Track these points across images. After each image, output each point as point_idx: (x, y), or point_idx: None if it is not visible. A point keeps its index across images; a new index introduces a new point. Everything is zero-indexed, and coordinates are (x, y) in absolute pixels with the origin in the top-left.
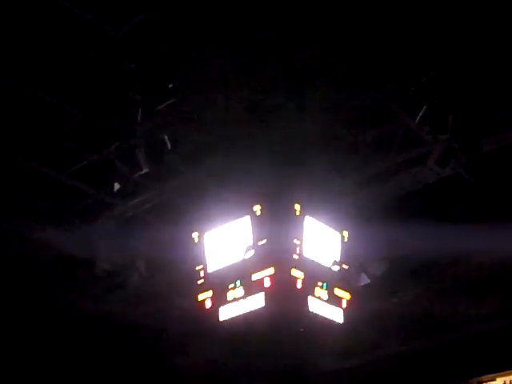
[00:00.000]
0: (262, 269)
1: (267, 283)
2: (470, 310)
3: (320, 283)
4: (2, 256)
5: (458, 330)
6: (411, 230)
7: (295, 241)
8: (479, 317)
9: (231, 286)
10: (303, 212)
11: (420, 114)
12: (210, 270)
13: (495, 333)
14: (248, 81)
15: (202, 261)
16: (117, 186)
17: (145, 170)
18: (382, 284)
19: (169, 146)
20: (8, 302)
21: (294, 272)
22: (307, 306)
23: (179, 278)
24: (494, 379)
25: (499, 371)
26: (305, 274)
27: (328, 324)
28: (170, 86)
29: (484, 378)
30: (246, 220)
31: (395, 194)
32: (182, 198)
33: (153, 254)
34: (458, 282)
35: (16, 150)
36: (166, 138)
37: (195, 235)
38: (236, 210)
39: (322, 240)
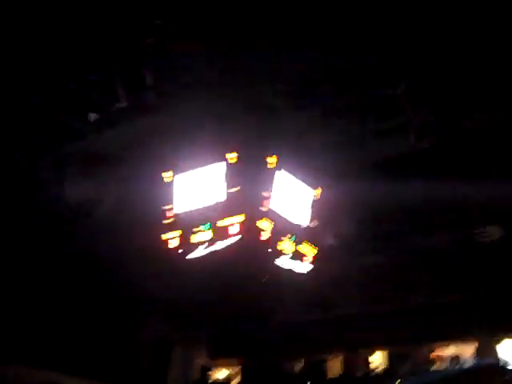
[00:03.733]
0: (231, 215)
1: (234, 230)
2: (430, 282)
3: (288, 236)
4: None
5: (419, 298)
6: (384, 194)
7: (266, 192)
8: (437, 289)
9: (196, 229)
10: (278, 165)
11: (402, 85)
12: (178, 210)
13: (454, 304)
14: None
15: (171, 201)
16: (93, 116)
17: (123, 104)
18: (348, 245)
19: (149, 82)
20: None
21: (260, 223)
22: (270, 259)
23: (145, 216)
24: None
25: (452, 339)
26: (273, 226)
27: (291, 277)
28: (156, 22)
29: (436, 345)
30: (220, 166)
31: (371, 158)
32: (157, 138)
33: (122, 189)
34: (422, 254)
35: None
36: (147, 74)
37: (167, 175)
38: (211, 155)
39: (293, 195)
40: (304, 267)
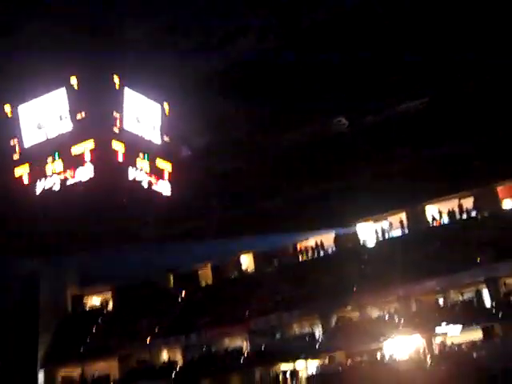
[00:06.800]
0: (81, 141)
1: (88, 157)
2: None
3: (141, 155)
4: None
5: (276, 198)
6: (231, 103)
7: (115, 113)
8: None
9: (49, 159)
10: (123, 84)
11: None
12: (26, 144)
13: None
14: None
15: (16, 135)
16: None
17: None
18: (203, 155)
19: None
20: None
21: (115, 144)
22: (127, 177)
23: None
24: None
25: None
26: (125, 147)
27: (152, 194)
28: None
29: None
30: (62, 92)
31: (216, 66)
32: None
33: None
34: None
35: None
36: None
37: (7, 108)
38: (51, 81)
39: (142, 113)
40: (165, 187)
